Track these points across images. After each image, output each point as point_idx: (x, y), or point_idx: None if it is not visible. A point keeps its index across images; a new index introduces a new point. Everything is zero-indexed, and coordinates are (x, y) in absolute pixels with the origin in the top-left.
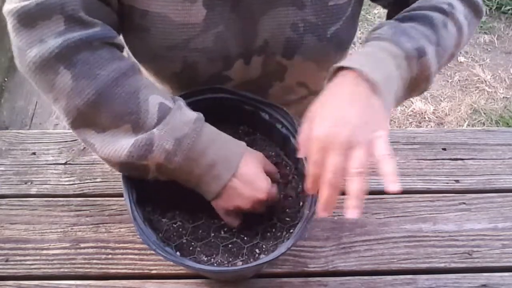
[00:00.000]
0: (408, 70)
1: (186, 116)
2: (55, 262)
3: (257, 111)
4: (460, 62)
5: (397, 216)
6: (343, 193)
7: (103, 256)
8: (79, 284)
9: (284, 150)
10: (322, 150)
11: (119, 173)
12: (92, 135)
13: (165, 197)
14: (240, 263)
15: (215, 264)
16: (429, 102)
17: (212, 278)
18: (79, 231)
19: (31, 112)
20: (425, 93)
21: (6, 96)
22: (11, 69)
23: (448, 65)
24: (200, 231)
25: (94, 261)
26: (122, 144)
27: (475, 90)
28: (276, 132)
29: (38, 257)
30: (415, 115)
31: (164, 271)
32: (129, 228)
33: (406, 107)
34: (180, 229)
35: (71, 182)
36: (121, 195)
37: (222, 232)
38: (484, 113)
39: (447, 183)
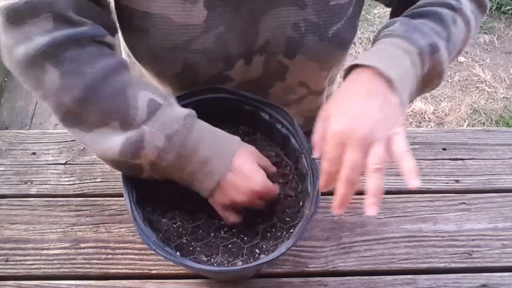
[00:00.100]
0: (421, 66)
1: (176, 113)
2: (55, 262)
3: (257, 111)
4: (460, 62)
5: (397, 216)
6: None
7: (103, 256)
8: (79, 284)
9: (284, 150)
10: (339, 146)
11: (119, 173)
12: (82, 133)
13: (165, 197)
14: (240, 263)
15: (215, 264)
16: (429, 102)
17: (212, 278)
18: (79, 231)
19: (31, 112)
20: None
21: (6, 96)
22: None
23: (448, 65)
24: (200, 231)
25: (94, 261)
26: (113, 142)
27: (475, 90)
28: (276, 132)
29: (38, 257)
30: (415, 115)
31: (164, 271)
32: (129, 228)
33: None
34: (180, 229)
35: (71, 182)
36: (121, 195)
37: (222, 232)
38: (484, 113)
39: (447, 183)
